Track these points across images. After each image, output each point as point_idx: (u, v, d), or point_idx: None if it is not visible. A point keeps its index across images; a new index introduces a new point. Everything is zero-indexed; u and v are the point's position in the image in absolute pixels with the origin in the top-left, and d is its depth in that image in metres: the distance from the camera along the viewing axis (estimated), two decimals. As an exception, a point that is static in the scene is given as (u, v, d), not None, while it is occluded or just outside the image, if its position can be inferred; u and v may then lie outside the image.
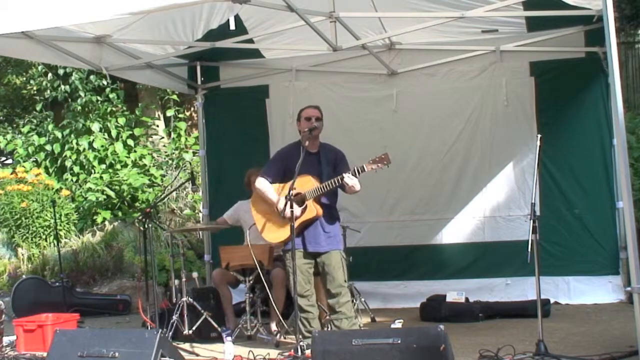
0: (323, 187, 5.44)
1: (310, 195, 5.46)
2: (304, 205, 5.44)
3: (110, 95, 11.89)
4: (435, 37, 7.29)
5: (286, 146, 5.90)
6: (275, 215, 5.56)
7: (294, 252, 5.24)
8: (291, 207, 5.17)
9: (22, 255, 9.59)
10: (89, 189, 10.83)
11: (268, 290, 5.98)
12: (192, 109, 12.21)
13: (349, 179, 5.33)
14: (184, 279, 6.10)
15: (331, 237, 5.60)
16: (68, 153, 11.42)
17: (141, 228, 6.33)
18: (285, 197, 5.24)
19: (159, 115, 12.45)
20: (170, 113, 11.83)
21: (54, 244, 9.34)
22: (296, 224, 5.32)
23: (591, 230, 7.17)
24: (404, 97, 7.67)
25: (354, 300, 6.35)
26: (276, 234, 5.61)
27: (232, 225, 6.84)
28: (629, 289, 4.48)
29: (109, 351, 4.54)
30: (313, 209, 5.47)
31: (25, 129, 12.22)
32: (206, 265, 8.12)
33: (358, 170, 5.35)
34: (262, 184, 5.69)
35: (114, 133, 11.59)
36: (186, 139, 11.61)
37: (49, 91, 12.20)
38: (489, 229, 7.46)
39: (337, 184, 5.40)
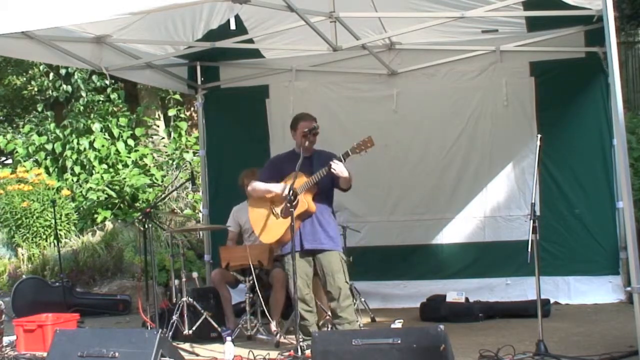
0: (312, 179, 5.49)
1: (301, 190, 5.48)
2: (295, 201, 5.45)
3: (112, 96, 11.92)
4: (435, 37, 7.28)
5: (280, 154, 5.98)
6: (269, 216, 5.63)
7: (294, 252, 5.24)
8: (291, 207, 5.18)
9: (22, 255, 9.60)
10: (90, 189, 10.83)
11: (270, 290, 5.98)
12: (192, 108, 12.21)
13: (335, 165, 5.35)
14: (184, 279, 6.11)
15: (330, 236, 5.60)
16: (69, 153, 11.41)
17: (141, 228, 6.34)
18: (285, 198, 5.27)
19: (159, 115, 12.46)
20: (171, 113, 11.84)
21: (54, 244, 9.34)
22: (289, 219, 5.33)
23: (591, 230, 7.16)
24: (404, 97, 7.66)
25: (354, 301, 6.33)
26: (271, 234, 5.65)
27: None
28: (629, 289, 4.48)
29: (109, 351, 4.54)
30: (304, 203, 5.50)
31: (25, 129, 12.22)
32: (206, 265, 8.11)
33: (343, 157, 5.38)
34: (257, 184, 5.73)
35: (115, 133, 11.60)
36: (187, 139, 11.61)
37: (50, 91, 12.21)
38: (489, 229, 7.45)
39: (326, 173, 5.41)
